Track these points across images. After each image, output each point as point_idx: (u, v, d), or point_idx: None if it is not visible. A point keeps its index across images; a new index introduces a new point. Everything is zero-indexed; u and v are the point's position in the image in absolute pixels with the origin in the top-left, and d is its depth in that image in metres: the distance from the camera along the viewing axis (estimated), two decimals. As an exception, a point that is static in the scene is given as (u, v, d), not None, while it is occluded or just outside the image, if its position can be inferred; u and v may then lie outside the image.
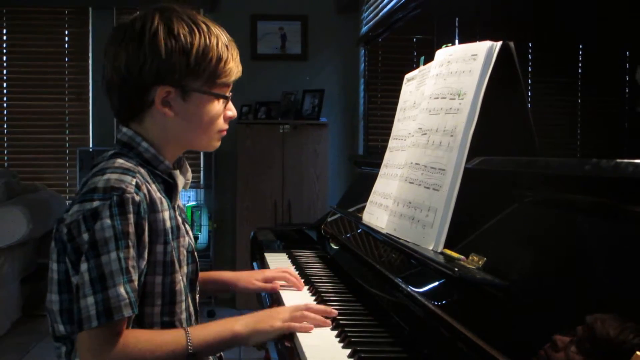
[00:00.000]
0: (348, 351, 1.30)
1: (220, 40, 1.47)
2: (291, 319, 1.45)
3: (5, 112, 5.72)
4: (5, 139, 5.73)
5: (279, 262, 2.25)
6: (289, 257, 2.35)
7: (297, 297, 1.76)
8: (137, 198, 1.31)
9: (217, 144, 1.56)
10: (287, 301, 1.71)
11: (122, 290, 1.25)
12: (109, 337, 1.25)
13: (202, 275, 1.81)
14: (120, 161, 1.37)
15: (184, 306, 1.46)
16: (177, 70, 1.41)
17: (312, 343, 1.37)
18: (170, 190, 1.49)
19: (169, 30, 1.41)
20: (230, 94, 1.53)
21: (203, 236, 5.42)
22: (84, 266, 1.26)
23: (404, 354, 1.30)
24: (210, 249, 5.48)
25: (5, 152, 5.74)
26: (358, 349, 1.30)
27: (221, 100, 1.50)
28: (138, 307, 1.35)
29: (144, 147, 1.45)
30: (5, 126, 5.72)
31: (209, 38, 1.44)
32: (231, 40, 1.51)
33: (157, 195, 1.40)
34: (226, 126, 1.55)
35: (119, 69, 1.41)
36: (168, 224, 1.41)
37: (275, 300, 1.79)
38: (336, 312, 1.52)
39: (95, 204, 1.28)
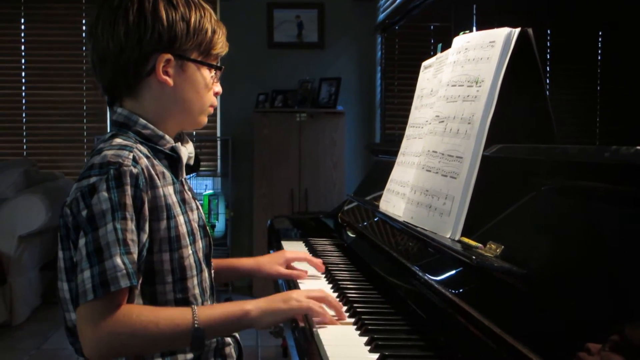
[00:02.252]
0: (365, 339, 1.31)
1: (212, 15, 1.51)
2: (308, 301, 1.41)
3: (23, 101, 5.76)
4: (24, 128, 5.77)
5: (296, 249, 2.25)
6: (306, 246, 2.36)
7: (314, 286, 1.76)
8: (134, 170, 1.31)
9: (205, 119, 1.56)
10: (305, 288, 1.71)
11: (118, 260, 1.23)
12: (108, 309, 1.23)
13: (221, 262, 1.81)
14: (118, 140, 1.38)
15: (196, 281, 1.45)
16: (179, 39, 1.43)
17: (329, 330, 1.37)
18: (174, 166, 1.48)
19: (167, 0, 1.43)
20: (223, 67, 1.55)
21: (220, 224, 5.43)
22: (81, 241, 1.26)
23: (421, 342, 1.30)
24: (227, 237, 5.50)
25: (24, 141, 5.78)
26: (375, 336, 1.30)
27: (212, 73, 1.52)
28: (149, 285, 1.36)
29: (142, 124, 1.44)
30: (23, 115, 5.76)
31: (203, 11, 1.48)
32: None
33: (159, 169, 1.40)
34: (215, 102, 1.56)
35: (118, 38, 1.41)
36: (173, 198, 1.42)
37: (293, 288, 1.79)
38: (345, 316, 1.47)
39: (93, 179, 1.29)
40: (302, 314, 1.40)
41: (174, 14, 1.42)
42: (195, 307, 1.33)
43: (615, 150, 1.00)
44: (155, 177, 1.37)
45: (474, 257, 1.21)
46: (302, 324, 1.39)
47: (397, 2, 4.74)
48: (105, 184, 1.27)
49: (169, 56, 1.43)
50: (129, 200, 1.28)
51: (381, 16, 5.34)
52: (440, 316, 1.28)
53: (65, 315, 1.39)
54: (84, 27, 5.71)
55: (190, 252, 1.43)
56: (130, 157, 1.32)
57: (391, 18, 3.20)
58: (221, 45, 1.53)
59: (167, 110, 1.48)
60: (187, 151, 1.53)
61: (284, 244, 2.39)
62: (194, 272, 1.44)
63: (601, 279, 0.97)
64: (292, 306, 1.39)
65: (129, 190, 1.29)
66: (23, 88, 5.75)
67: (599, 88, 1.60)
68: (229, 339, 1.55)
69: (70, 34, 5.71)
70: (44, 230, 4.67)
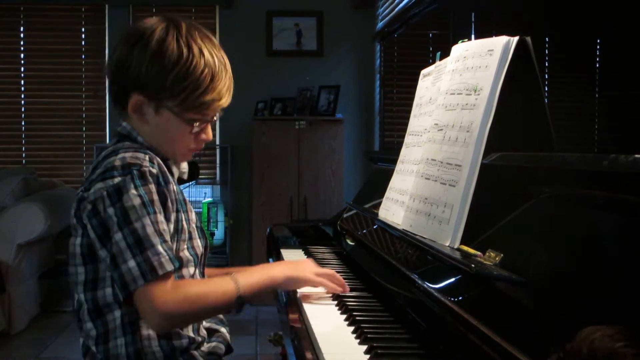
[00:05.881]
0: (365, 347, 1.30)
1: (210, 68, 1.48)
2: (320, 274, 1.63)
3: (22, 109, 5.76)
4: (23, 136, 5.77)
5: (295, 259, 2.25)
6: (305, 253, 2.35)
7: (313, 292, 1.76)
8: (154, 170, 1.42)
9: (185, 159, 1.63)
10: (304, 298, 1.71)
11: (160, 248, 1.35)
12: (163, 289, 1.35)
13: (217, 272, 1.82)
14: (128, 143, 1.49)
15: (191, 272, 1.54)
16: (153, 85, 1.46)
17: (329, 338, 1.37)
18: None
19: (159, 45, 1.45)
20: (216, 117, 1.56)
21: (219, 232, 5.43)
22: (118, 235, 1.35)
23: (420, 350, 1.29)
24: (226, 245, 5.50)
25: (23, 149, 5.78)
26: (374, 345, 1.29)
27: (196, 124, 1.52)
28: None
29: (141, 141, 1.53)
30: (22, 123, 5.76)
31: (195, 64, 1.46)
32: (225, 69, 1.53)
33: (164, 169, 1.49)
34: (199, 146, 1.59)
35: (112, 63, 1.50)
36: (178, 196, 1.52)
37: (292, 298, 1.79)
38: (348, 289, 1.69)
39: (117, 180, 1.38)
40: (316, 285, 1.63)
41: (155, 60, 1.44)
42: (237, 276, 1.49)
43: (614, 158, 1.00)
44: (167, 174, 1.47)
45: (473, 265, 1.21)
46: (301, 333, 1.39)
47: (396, 10, 4.75)
48: (132, 183, 1.37)
49: (142, 98, 1.47)
50: (155, 197, 1.40)
51: (380, 24, 5.35)
52: (440, 324, 1.27)
53: (75, 296, 1.50)
54: (83, 35, 5.72)
55: (187, 246, 1.53)
56: (147, 158, 1.42)
57: (390, 26, 3.20)
58: (206, 105, 1.51)
59: (153, 140, 1.54)
60: (177, 171, 1.63)
61: (283, 252, 2.38)
62: (190, 264, 1.53)
63: (601, 286, 0.97)
64: (309, 278, 1.61)
65: (153, 188, 1.40)
66: (22, 96, 5.76)
67: (597, 95, 1.61)
68: (215, 343, 1.64)
69: (69, 42, 5.72)
70: (43, 238, 4.67)
